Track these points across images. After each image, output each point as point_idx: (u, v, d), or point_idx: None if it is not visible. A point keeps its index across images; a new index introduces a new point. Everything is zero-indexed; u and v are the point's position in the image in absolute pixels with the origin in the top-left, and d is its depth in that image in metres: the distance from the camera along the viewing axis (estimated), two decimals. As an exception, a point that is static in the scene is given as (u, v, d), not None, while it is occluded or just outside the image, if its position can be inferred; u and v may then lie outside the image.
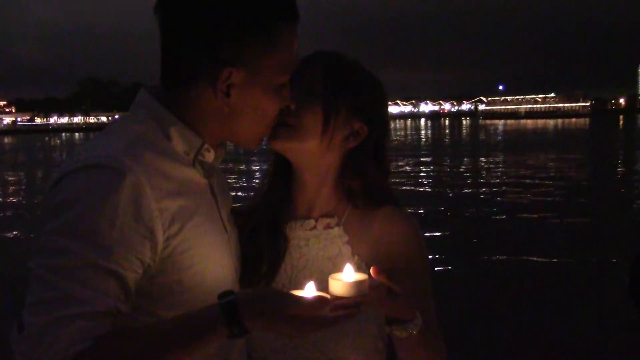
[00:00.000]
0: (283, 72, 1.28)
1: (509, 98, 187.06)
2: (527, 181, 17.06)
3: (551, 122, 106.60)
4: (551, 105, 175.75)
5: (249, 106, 1.25)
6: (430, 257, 1.48)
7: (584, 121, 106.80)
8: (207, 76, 1.21)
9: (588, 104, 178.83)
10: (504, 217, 11.54)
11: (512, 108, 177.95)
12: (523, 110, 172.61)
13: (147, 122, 1.23)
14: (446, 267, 7.73)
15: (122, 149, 1.14)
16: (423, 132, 71.82)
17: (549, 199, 13.80)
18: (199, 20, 1.18)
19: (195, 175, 1.27)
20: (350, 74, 1.44)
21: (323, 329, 1.12)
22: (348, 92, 1.42)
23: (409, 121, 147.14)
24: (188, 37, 1.20)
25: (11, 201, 16.83)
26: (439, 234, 9.69)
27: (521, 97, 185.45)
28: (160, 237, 1.15)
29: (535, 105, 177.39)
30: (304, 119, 1.39)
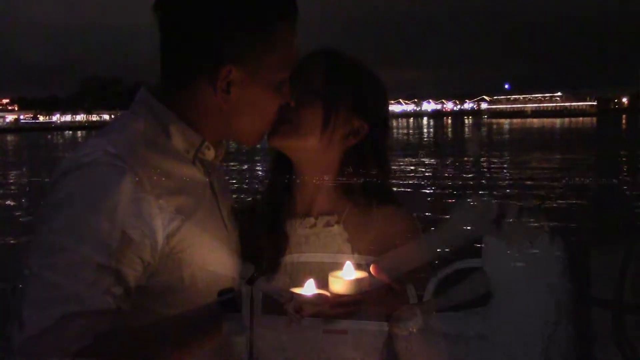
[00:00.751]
0: (283, 69, 1.28)
1: (511, 97, 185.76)
2: (529, 182, 17.02)
3: (558, 121, 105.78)
4: (558, 104, 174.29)
5: (248, 103, 1.26)
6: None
7: (590, 120, 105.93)
8: (207, 74, 1.21)
9: (595, 103, 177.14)
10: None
11: (517, 107, 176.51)
12: (529, 110, 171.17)
13: (147, 121, 1.24)
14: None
15: (122, 147, 1.15)
16: (425, 131, 71.63)
17: (550, 199, 13.76)
18: (198, 18, 1.19)
19: (195, 173, 1.28)
20: (350, 72, 1.44)
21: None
22: (348, 90, 1.42)
23: (411, 120, 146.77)
24: (188, 35, 1.20)
25: (12, 200, 16.83)
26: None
27: (526, 96, 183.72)
28: (160, 235, 1.15)
29: (541, 105, 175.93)
30: (304, 116, 1.39)
